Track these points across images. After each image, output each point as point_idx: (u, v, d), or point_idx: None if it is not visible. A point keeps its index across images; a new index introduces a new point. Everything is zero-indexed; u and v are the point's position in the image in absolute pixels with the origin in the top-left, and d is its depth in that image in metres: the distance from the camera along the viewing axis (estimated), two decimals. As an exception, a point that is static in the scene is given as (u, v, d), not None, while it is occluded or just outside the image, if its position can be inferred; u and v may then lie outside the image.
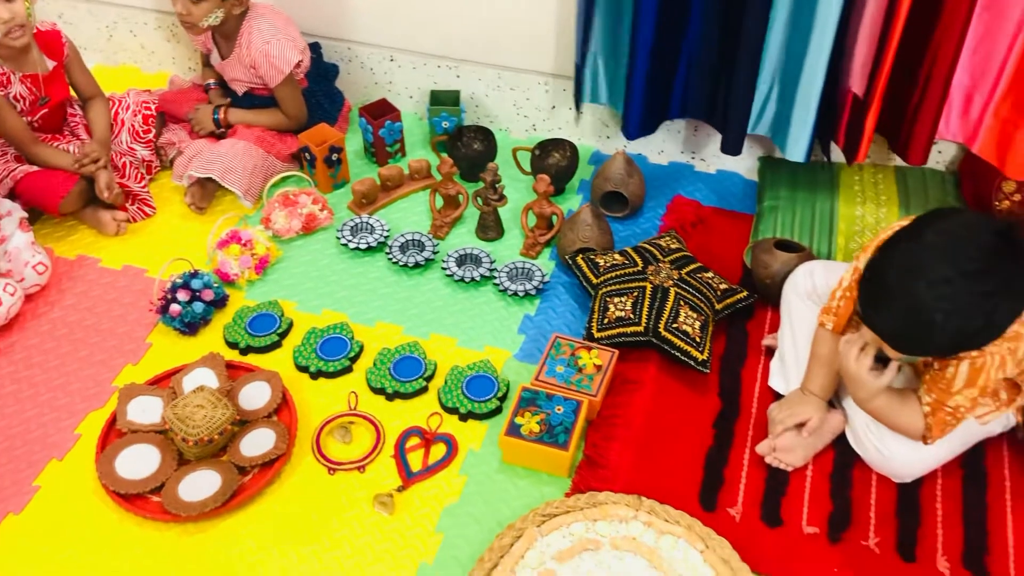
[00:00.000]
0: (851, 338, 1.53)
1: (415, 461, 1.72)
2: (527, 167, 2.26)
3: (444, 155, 2.19)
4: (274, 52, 2.19)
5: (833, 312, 1.66)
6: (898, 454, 1.62)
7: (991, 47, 1.88)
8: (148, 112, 2.30)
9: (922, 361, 1.56)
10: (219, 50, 2.28)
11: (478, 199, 2.12)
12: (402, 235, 2.12)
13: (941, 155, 2.17)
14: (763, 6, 1.92)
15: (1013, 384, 1.63)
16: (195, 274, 1.97)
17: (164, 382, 1.83)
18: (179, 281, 1.95)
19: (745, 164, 2.32)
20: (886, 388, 1.56)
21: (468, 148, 2.28)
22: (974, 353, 1.45)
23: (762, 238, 2.05)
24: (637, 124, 2.12)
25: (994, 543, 1.58)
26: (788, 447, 1.69)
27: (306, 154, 2.25)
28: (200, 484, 1.64)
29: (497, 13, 2.25)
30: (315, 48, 2.42)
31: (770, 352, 1.88)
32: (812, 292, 1.77)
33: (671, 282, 1.89)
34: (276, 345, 1.92)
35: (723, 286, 1.94)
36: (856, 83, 1.97)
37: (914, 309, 1.33)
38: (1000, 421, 1.67)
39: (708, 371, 1.81)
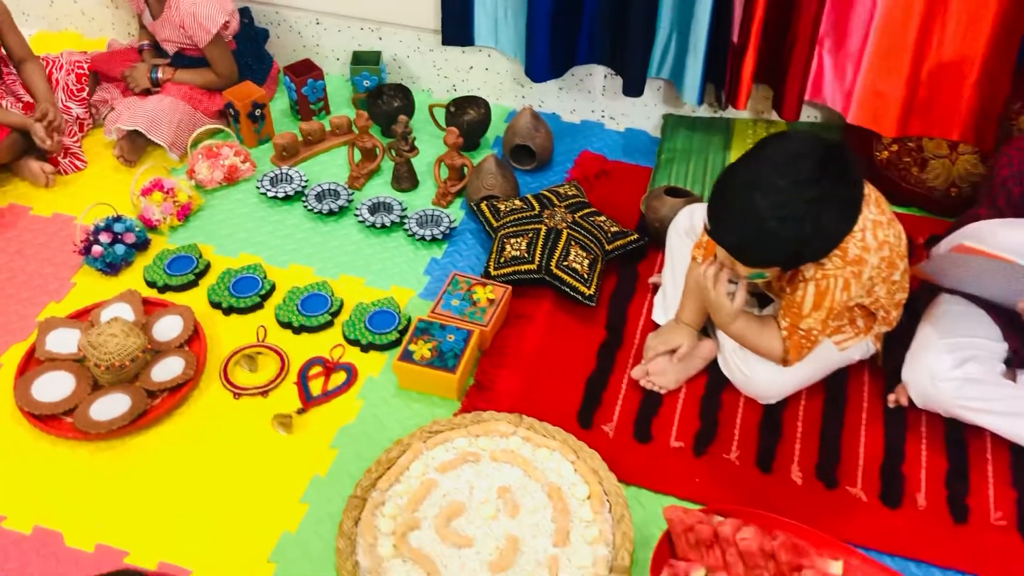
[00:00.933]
0: (708, 264, 1.65)
1: (316, 387, 1.84)
2: (443, 123, 2.38)
3: (361, 110, 2.30)
4: (201, 12, 2.30)
5: (703, 245, 1.78)
6: (761, 376, 1.75)
7: (851, 14, 2.01)
8: (81, 71, 2.41)
9: (778, 287, 1.68)
10: (150, 10, 2.39)
11: (391, 151, 2.23)
12: (319, 185, 2.24)
13: (816, 117, 2.30)
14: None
15: (870, 313, 1.76)
16: (118, 218, 2.08)
17: (83, 317, 1.94)
18: (102, 224, 2.06)
19: (652, 122, 2.45)
20: (745, 314, 1.70)
21: (388, 105, 2.40)
22: (818, 276, 1.58)
23: (656, 187, 2.17)
24: (540, 68, 2.26)
25: (846, 456, 1.71)
26: (660, 371, 1.81)
27: (231, 110, 2.35)
28: (111, 406, 1.75)
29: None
30: (245, 13, 2.52)
31: (656, 289, 2.00)
32: (691, 230, 1.90)
33: (564, 224, 2.01)
34: (192, 284, 2.03)
35: (614, 229, 2.06)
36: (735, 31, 2.10)
37: (751, 218, 1.45)
38: (860, 349, 1.80)
39: (594, 304, 1.94)
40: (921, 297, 1.84)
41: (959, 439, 1.72)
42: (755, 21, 2.04)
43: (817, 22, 2.01)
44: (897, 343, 1.80)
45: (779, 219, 1.43)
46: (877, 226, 1.60)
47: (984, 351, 1.70)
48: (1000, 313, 1.73)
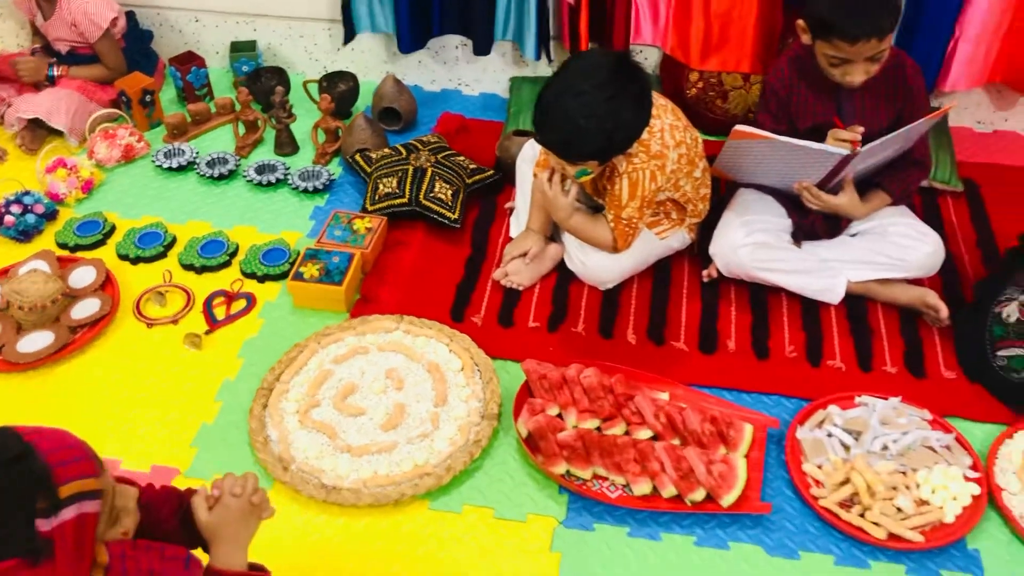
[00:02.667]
0: (543, 170, 2.01)
1: (220, 313, 2.10)
2: (316, 96, 2.68)
3: (242, 88, 2.58)
4: (91, 9, 2.55)
5: (541, 164, 2.13)
6: (597, 264, 2.10)
7: None
8: (-27, 76, 2.63)
9: (601, 186, 2.04)
10: (43, 12, 2.62)
11: (272, 119, 2.52)
12: (209, 155, 2.51)
13: (647, 60, 2.70)
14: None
15: (680, 206, 2.14)
16: (27, 192, 2.30)
17: (2, 275, 2.15)
18: (12, 198, 2.28)
19: (502, 85, 2.81)
20: (579, 211, 2.05)
21: (266, 84, 2.68)
22: (630, 170, 1.94)
23: (511, 134, 2.52)
24: (408, 40, 2.62)
25: (671, 320, 2.07)
26: (516, 271, 2.15)
27: (123, 97, 2.60)
28: (36, 341, 1.98)
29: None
30: (131, 16, 2.78)
31: (511, 212, 2.34)
32: (533, 157, 2.25)
33: (429, 164, 2.33)
34: (101, 243, 2.27)
35: (472, 166, 2.40)
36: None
37: (565, 120, 1.81)
38: (678, 238, 2.18)
39: (459, 227, 2.26)
40: (726, 200, 2.23)
41: (761, 298, 2.11)
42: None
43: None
44: (707, 235, 2.17)
45: (586, 117, 1.79)
46: (674, 129, 1.98)
47: (772, 225, 2.10)
48: (784, 197, 2.13)
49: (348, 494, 1.70)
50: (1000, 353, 1.90)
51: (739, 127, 1.96)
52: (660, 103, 2.00)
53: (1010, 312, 1.92)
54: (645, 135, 1.92)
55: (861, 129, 1.92)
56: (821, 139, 1.96)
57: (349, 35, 2.68)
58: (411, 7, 2.55)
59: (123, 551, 1.06)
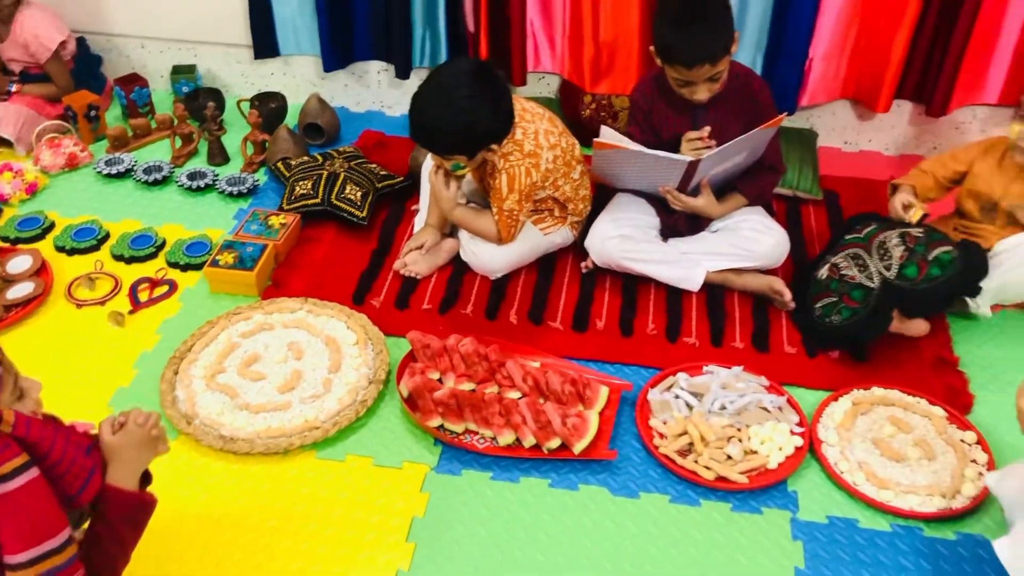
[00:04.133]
0: (432, 166, 2.27)
1: (143, 296, 2.32)
2: (247, 114, 2.94)
3: (179, 103, 2.84)
4: (42, 32, 2.81)
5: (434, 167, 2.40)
6: (485, 254, 2.35)
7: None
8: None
9: (486, 184, 2.30)
10: (-1, 35, 2.89)
11: (205, 131, 2.78)
12: (146, 163, 2.75)
13: (549, 85, 2.99)
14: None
15: (562, 204, 2.40)
16: (-28, 192, 2.54)
17: (-55, 263, 2.37)
18: (-43, 196, 2.51)
19: (421, 107, 3.09)
20: (465, 205, 2.31)
21: (202, 103, 2.94)
22: (507, 166, 2.20)
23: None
24: (331, 62, 2.90)
25: (550, 305, 2.31)
26: (414, 261, 2.39)
27: (70, 112, 2.85)
28: (-28, 318, 2.20)
29: (216, 1, 2.95)
30: (82, 42, 3.05)
31: (417, 214, 2.59)
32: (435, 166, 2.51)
33: (342, 170, 2.59)
34: (40, 238, 2.49)
35: (383, 173, 2.66)
36: (470, 22, 2.78)
37: (430, 118, 2.09)
38: (561, 234, 2.43)
39: (367, 225, 2.51)
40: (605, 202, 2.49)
41: (631, 287, 2.36)
42: (482, 13, 2.72)
43: (524, 6, 2.71)
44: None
45: (445, 112, 2.07)
46: (548, 134, 2.25)
47: (640, 223, 2.37)
48: (654, 199, 2.40)
49: (243, 443, 1.91)
50: (817, 305, 2.18)
51: (598, 139, 2.23)
52: (537, 111, 2.28)
53: (822, 272, 2.21)
54: (519, 136, 2.19)
55: (707, 129, 2.20)
56: (679, 147, 2.24)
57: (263, 52, 2.95)
58: (332, 31, 2.84)
59: (29, 420, 1.22)
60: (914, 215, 2.20)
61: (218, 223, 2.58)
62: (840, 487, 1.87)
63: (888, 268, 2.12)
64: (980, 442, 1.95)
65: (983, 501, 1.83)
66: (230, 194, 2.65)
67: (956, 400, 2.06)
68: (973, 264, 2.10)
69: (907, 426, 1.98)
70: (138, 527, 1.39)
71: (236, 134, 2.91)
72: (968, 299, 2.17)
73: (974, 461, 1.91)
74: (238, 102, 2.93)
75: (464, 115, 2.06)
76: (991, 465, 1.89)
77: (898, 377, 2.11)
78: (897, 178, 2.40)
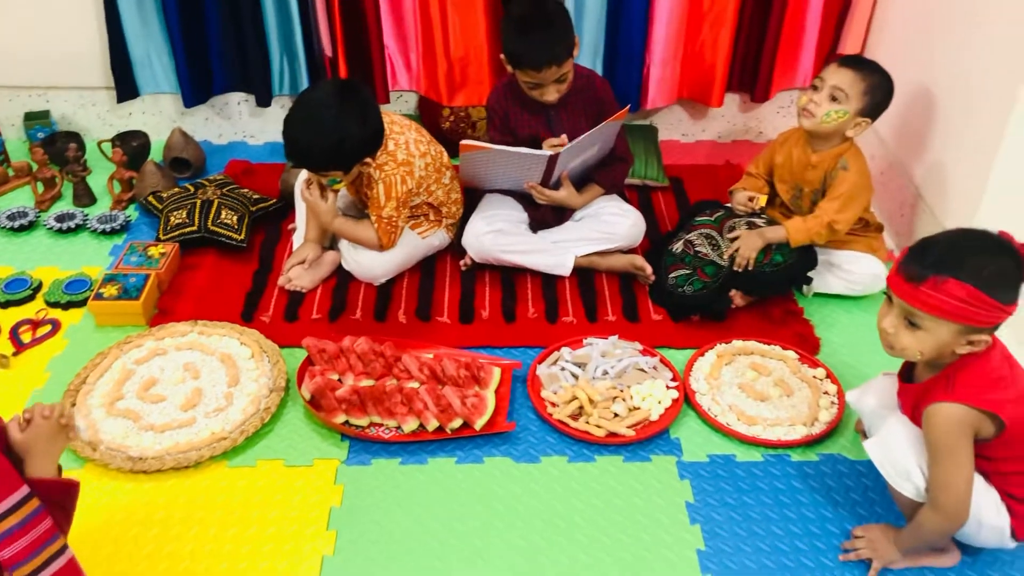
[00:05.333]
0: (305, 180, 2.37)
1: (26, 337, 2.30)
2: (109, 154, 2.94)
3: (37, 148, 2.81)
4: None
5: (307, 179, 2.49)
6: (368, 261, 2.46)
7: (400, 9, 2.88)
8: None
9: (364, 194, 2.42)
10: None
11: (68, 174, 2.77)
12: (8, 210, 2.71)
13: (408, 103, 3.15)
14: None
15: (436, 208, 2.54)
16: None
17: None
18: None
19: (284, 135, 3.17)
20: (345, 215, 2.42)
21: (61, 147, 2.92)
22: (383, 176, 2.32)
23: (290, 167, 2.87)
24: (190, 96, 2.94)
25: (436, 302, 2.45)
26: (297, 276, 2.47)
27: (-82, 167, 2.78)
28: None
29: (66, 44, 2.94)
30: (-77, 96, 2.97)
31: (294, 232, 2.67)
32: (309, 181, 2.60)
33: (215, 196, 2.64)
34: (-97, 292, 2.43)
35: (256, 196, 2.73)
36: (328, 48, 2.90)
37: (301, 136, 2.20)
38: (438, 237, 2.57)
39: (246, 247, 2.57)
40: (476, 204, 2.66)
41: (509, 278, 2.52)
42: (338, 38, 2.84)
43: (380, 31, 2.86)
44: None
45: (316, 132, 2.18)
46: (418, 143, 2.39)
47: (510, 218, 2.54)
48: (520, 196, 2.58)
49: (153, 461, 1.94)
50: (670, 275, 2.42)
51: (464, 141, 2.40)
52: (404, 123, 2.42)
53: (677, 247, 2.45)
54: (392, 147, 2.33)
55: (564, 137, 2.41)
56: (538, 147, 2.43)
57: (124, 94, 2.97)
58: (190, 67, 2.89)
59: None
60: (758, 203, 2.46)
61: (94, 261, 2.58)
62: (715, 428, 2.08)
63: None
64: (829, 376, 2.21)
65: (838, 425, 2.08)
66: (103, 232, 2.65)
67: (805, 344, 2.32)
68: (808, 257, 2.40)
69: (766, 370, 2.22)
70: (68, 511, 1.45)
71: (100, 175, 2.91)
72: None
73: (826, 393, 2.16)
74: (99, 143, 2.92)
75: (335, 132, 2.18)
76: (840, 395, 2.15)
77: (754, 331, 2.35)
78: (735, 166, 2.69)
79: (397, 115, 2.45)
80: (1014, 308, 1.54)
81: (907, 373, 1.75)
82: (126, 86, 2.95)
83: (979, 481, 1.64)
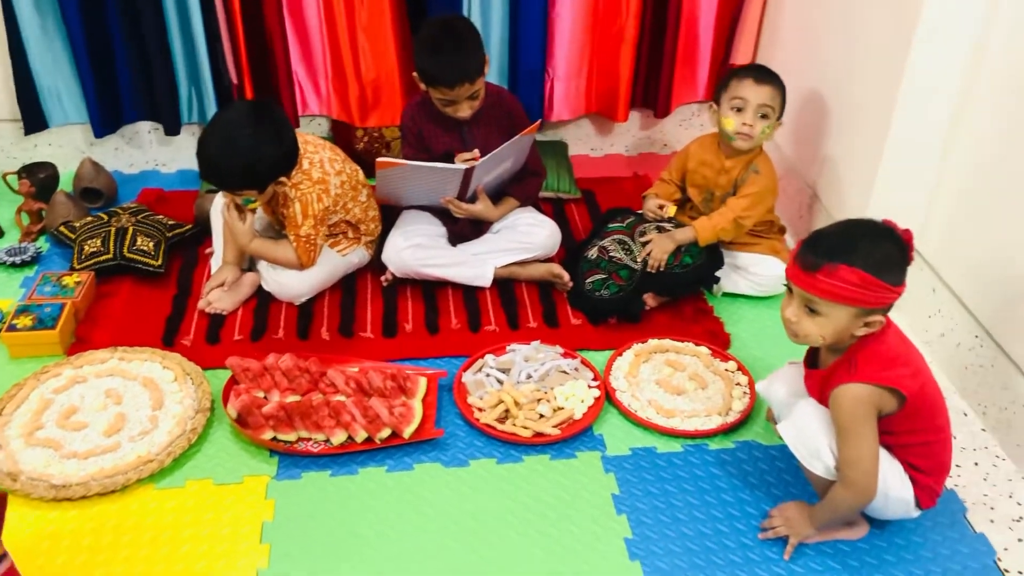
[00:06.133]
0: (223, 204, 2.38)
1: (-64, 373, 2.24)
2: (15, 186, 2.88)
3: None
4: None
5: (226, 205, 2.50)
6: (288, 281, 2.47)
7: (307, 35, 2.92)
8: None
9: (280, 215, 2.43)
10: None
11: (-27, 207, 2.71)
12: (-90, 246, 2.64)
13: (321, 126, 3.18)
14: (157, 23, 2.80)
15: (355, 226, 2.57)
16: None
17: None
18: None
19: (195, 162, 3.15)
20: (262, 237, 2.44)
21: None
22: (299, 195, 2.35)
23: (204, 192, 2.87)
24: (99, 126, 2.92)
25: (358, 318, 2.47)
26: (218, 299, 2.46)
27: None
28: None
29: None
30: None
31: (212, 256, 2.66)
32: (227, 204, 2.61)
33: (130, 224, 2.62)
34: None
35: (171, 223, 2.71)
36: (233, 75, 2.92)
37: (214, 157, 2.23)
38: (358, 254, 2.61)
39: (163, 272, 2.56)
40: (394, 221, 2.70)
41: (431, 292, 2.57)
42: (243, 65, 2.86)
43: (287, 57, 2.89)
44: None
45: (231, 152, 2.21)
46: (332, 161, 2.43)
47: (428, 232, 2.60)
48: (438, 211, 2.64)
49: (78, 488, 1.91)
50: (587, 280, 2.50)
51: (380, 159, 2.45)
52: (318, 142, 2.46)
53: (592, 252, 2.54)
54: (307, 165, 2.36)
55: (476, 152, 2.48)
56: (451, 162, 2.50)
57: (32, 126, 2.93)
58: (99, 97, 2.87)
59: None
60: (668, 211, 2.57)
61: (4, 293, 2.52)
62: (636, 423, 2.16)
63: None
64: (740, 368, 2.32)
65: (751, 413, 2.19)
66: (12, 264, 2.60)
67: (716, 340, 2.43)
68: (715, 258, 2.52)
69: (681, 365, 2.32)
70: None
71: (7, 208, 2.85)
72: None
73: (738, 384, 2.27)
74: (3, 175, 2.87)
75: (249, 152, 2.21)
76: (751, 385, 2.26)
77: (668, 329, 2.45)
78: (642, 177, 2.79)
79: (311, 135, 2.48)
80: (902, 289, 1.66)
81: (812, 359, 1.87)
82: (34, 118, 2.91)
83: (884, 455, 1.76)
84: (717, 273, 2.52)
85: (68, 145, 3.07)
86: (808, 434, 1.77)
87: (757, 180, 2.48)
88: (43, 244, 2.74)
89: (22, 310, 2.33)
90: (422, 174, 2.46)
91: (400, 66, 2.94)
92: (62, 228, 2.66)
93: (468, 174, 2.46)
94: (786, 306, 1.74)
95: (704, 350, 2.37)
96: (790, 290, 1.73)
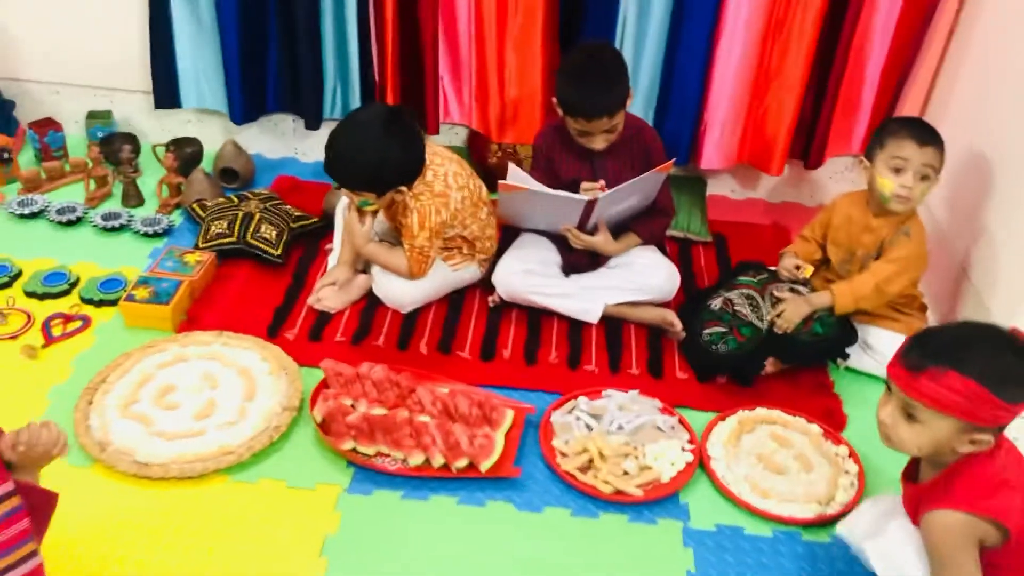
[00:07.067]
0: (347, 204, 2.38)
1: (57, 330, 2.34)
2: (162, 158, 3.00)
3: (93, 146, 2.89)
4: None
5: (348, 205, 2.51)
6: (397, 289, 2.46)
7: (456, 44, 2.90)
8: None
9: (397, 222, 2.42)
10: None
11: (120, 174, 2.84)
12: (59, 203, 2.79)
13: (458, 135, 3.16)
14: (311, 14, 2.84)
15: (470, 242, 2.54)
16: None
17: None
18: None
19: (335, 155, 3.21)
20: (378, 242, 2.43)
21: (118, 148, 2.99)
22: (417, 206, 2.33)
23: (335, 188, 2.90)
24: (240, 114, 2.99)
25: (459, 336, 2.43)
26: (327, 296, 2.48)
27: (-19, 155, 2.88)
28: None
29: (131, 49, 3.02)
30: (-6, 87, 3.09)
31: (330, 252, 2.69)
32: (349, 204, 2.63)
33: (257, 210, 2.68)
34: (-51, 275, 2.50)
35: (297, 214, 2.76)
36: (378, 75, 2.93)
37: (341, 155, 2.23)
38: (470, 271, 2.57)
39: (282, 263, 2.60)
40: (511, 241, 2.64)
41: (535, 320, 2.50)
42: (389, 67, 2.88)
43: (436, 63, 2.88)
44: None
45: (357, 150, 2.21)
46: (457, 176, 2.40)
47: (543, 259, 2.53)
48: (556, 238, 2.56)
49: (157, 468, 1.95)
50: (705, 331, 2.36)
51: (503, 181, 2.39)
52: (447, 155, 2.43)
53: (716, 303, 2.40)
54: (430, 177, 2.34)
55: (602, 182, 2.39)
56: (577, 191, 2.42)
57: (164, 102, 3.02)
58: (242, 85, 2.94)
59: None
60: (804, 272, 2.41)
61: (134, 260, 2.63)
62: (727, 498, 2.02)
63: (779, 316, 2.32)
64: (852, 455, 2.13)
65: (854, 506, 2.00)
66: (145, 234, 2.71)
67: (831, 419, 2.24)
68: (848, 331, 2.34)
69: (787, 442, 2.15)
70: (44, 520, 1.46)
71: (151, 178, 2.97)
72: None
73: (847, 472, 2.09)
74: (153, 147, 2.99)
75: (375, 154, 2.20)
76: (861, 475, 2.07)
77: (780, 399, 2.28)
78: (781, 228, 2.61)
79: (442, 147, 2.46)
80: (1020, 409, 1.46)
81: (912, 471, 1.68)
82: (166, 96, 3.01)
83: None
84: (848, 349, 2.34)
85: (216, 124, 3.17)
86: (898, 561, 1.59)
87: (907, 244, 2.28)
88: (177, 218, 2.84)
89: (143, 281, 2.41)
90: (543, 200, 2.40)
91: (544, 86, 2.87)
92: (195, 205, 2.75)
93: (590, 205, 2.37)
94: (882, 405, 1.58)
95: (816, 429, 2.20)
96: (889, 388, 1.56)
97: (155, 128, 3.20)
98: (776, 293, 2.36)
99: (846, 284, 2.32)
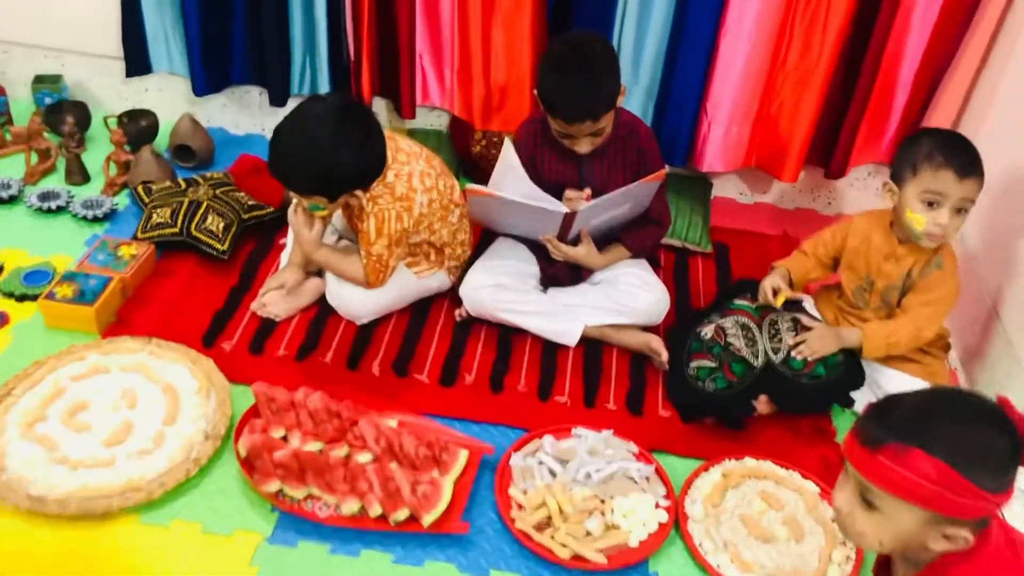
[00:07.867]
0: (293, 204, 2.11)
1: (-32, 330, 2.11)
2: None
3: (36, 115, 2.62)
4: None
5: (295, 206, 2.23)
6: (352, 298, 2.20)
7: (438, 19, 2.60)
8: None
9: (353, 226, 2.15)
10: None
11: (63, 148, 2.57)
12: (-8, 180, 2.53)
13: (440, 118, 2.87)
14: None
15: (439, 248, 2.26)
16: None
17: None
18: None
19: (306, 133, 2.93)
20: (329, 246, 2.16)
21: (65, 117, 2.72)
22: (376, 210, 2.05)
23: (297, 176, 2.63)
24: (202, 84, 2.71)
25: (418, 355, 2.17)
26: (273, 302, 2.22)
27: (-89, 118, 2.62)
28: None
29: (89, 8, 2.74)
30: (-64, 43, 2.81)
31: (284, 248, 2.43)
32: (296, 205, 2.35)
33: (206, 198, 2.41)
34: None
35: (251, 202, 2.48)
36: (352, 51, 2.63)
37: (288, 155, 1.94)
38: (437, 279, 2.30)
39: (227, 259, 2.33)
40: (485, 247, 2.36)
41: (506, 339, 2.22)
42: (364, 42, 2.58)
43: (413, 41, 2.58)
44: (470, 277, 2.30)
45: (304, 151, 1.91)
46: (424, 176, 2.11)
47: (516, 270, 2.24)
48: (535, 246, 2.28)
49: (54, 504, 1.71)
50: (692, 364, 2.08)
51: (470, 186, 2.11)
52: (414, 151, 2.14)
53: (707, 331, 2.11)
54: (391, 178, 2.05)
55: (587, 191, 2.11)
56: (561, 196, 2.13)
57: (135, 69, 2.75)
58: (204, 52, 2.66)
59: None
60: (778, 300, 2.11)
61: (68, 248, 2.37)
62: (703, 569, 1.76)
63: (776, 351, 2.04)
64: (850, 521, 1.86)
65: (848, 586, 1.75)
66: (84, 218, 2.45)
67: (830, 473, 1.97)
68: (854, 374, 2.06)
69: (778, 503, 1.88)
70: None
71: (102, 152, 2.70)
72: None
73: (843, 544, 1.82)
74: (105, 118, 2.72)
75: (325, 156, 1.91)
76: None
77: (773, 447, 2.02)
78: (792, 240, 2.33)
79: (408, 141, 2.17)
80: (1002, 499, 1.17)
81: (884, 569, 1.40)
82: (137, 61, 2.73)
83: None
84: (853, 394, 2.06)
85: (177, 94, 2.89)
86: None
87: (941, 279, 1.99)
88: (123, 200, 2.57)
89: (68, 277, 2.16)
90: (516, 208, 2.12)
91: (533, 72, 2.57)
92: (139, 188, 2.48)
93: (570, 218, 2.09)
94: (839, 489, 1.28)
95: (811, 487, 1.93)
96: (846, 469, 1.28)
97: (110, 96, 2.92)
98: (804, 322, 2.08)
99: (880, 327, 2.04)
